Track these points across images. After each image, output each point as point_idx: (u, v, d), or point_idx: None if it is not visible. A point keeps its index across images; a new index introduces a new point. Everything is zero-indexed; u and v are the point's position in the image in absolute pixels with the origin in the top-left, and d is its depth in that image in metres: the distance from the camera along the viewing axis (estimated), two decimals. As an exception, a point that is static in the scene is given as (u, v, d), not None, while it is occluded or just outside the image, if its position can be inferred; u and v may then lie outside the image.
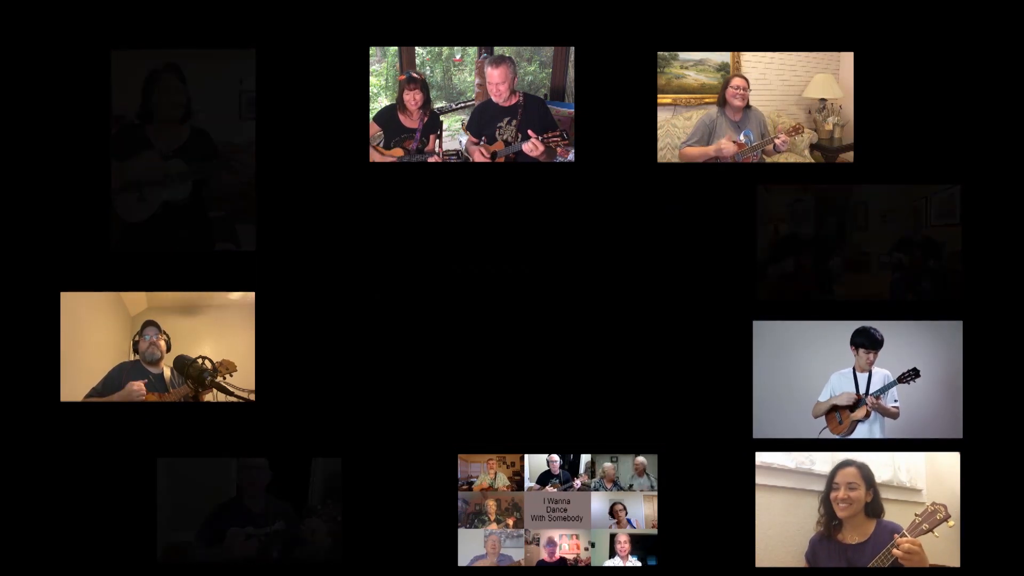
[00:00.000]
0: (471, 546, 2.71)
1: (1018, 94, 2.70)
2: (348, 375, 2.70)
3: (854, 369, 2.71)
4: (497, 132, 2.84)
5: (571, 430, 2.76)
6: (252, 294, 2.71)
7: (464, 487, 2.73)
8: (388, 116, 2.85)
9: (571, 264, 2.70)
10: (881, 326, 2.68)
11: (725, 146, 2.78)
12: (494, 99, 2.84)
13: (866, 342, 2.67)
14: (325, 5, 2.72)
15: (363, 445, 2.71)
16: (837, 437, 2.70)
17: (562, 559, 2.71)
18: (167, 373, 2.74)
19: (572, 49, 2.75)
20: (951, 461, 2.68)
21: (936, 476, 2.67)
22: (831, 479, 2.61)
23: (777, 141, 2.76)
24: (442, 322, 2.73)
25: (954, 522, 2.55)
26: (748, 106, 2.82)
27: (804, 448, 2.69)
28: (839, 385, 2.71)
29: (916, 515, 2.47)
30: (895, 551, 2.46)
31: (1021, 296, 2.69)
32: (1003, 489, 2.68)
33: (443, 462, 2.72)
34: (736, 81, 2.80)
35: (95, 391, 2.69)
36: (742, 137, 2.80)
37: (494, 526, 2.72)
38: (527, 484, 2.74)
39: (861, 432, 2.70)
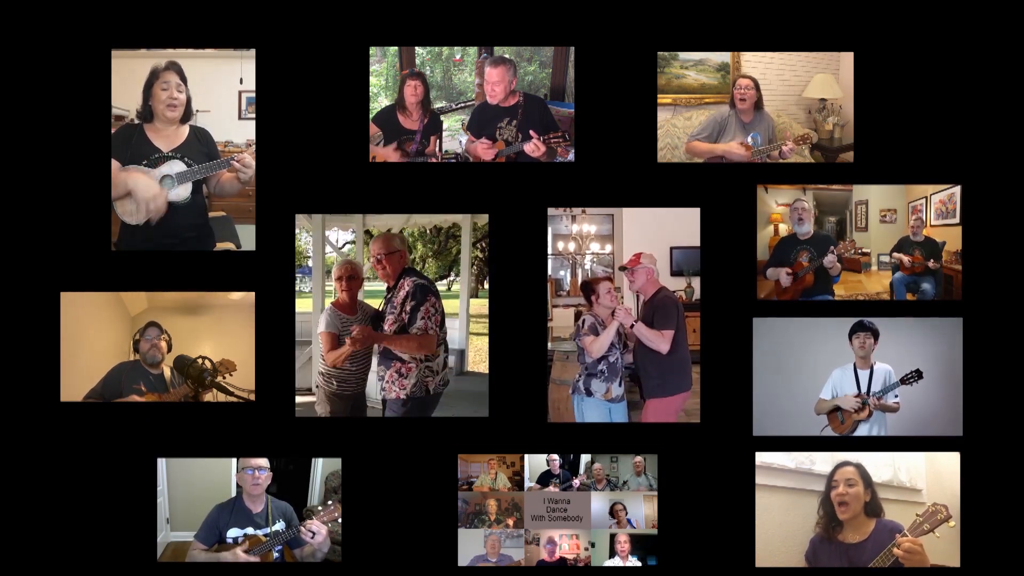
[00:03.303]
0: (471, 546, 2.71)
1: (1018, 94, 2.70)
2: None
3: (855, 366, 2.71)
4: (497, 132, 2.84)
5: (571, 429, 2.77)
6: (252, 294, 2.71)
7: (464, 487, 2.72)
8: (387, 117, 2.85)
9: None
10: (881, 323, 2.68)
11: (735, 150, 2.78)
12: (490, 99, 2.84)
13: (858, 327, 2.68)
14: (325, 5, 2.72)
15: (363, 445, 2.71)
16: (839, 436, 2.70)
17: (562, 559, 2.71)
18: (167, 373, 2.74)
19: (572, 49, 2.75)
20: (951, 461, 2.68)
21: (936, 476, 2.67)
22: (830, 478, 2.61)
23: (784, 148, 2.76)
24: None
25: (955, 522, 2.56)
26: (760, 108, 2.82)
27: (804, 447, 2.69)
28: (840, 381, 2.71)
29: (917, 515, 2.47)
30: (896, 551, 2.46)
31: (1020, 295, 2.69)
32: (1003, 489, 2.68)
33: (443, 462, 2.72)
34: (741, 81, 2.80)
35: (95, 392, 2.69)
36: (749, 139, 2.80)
37: (494, 526, 2.72)
38: (527, 484, 2.74)
39: (862, 431, 2.70)
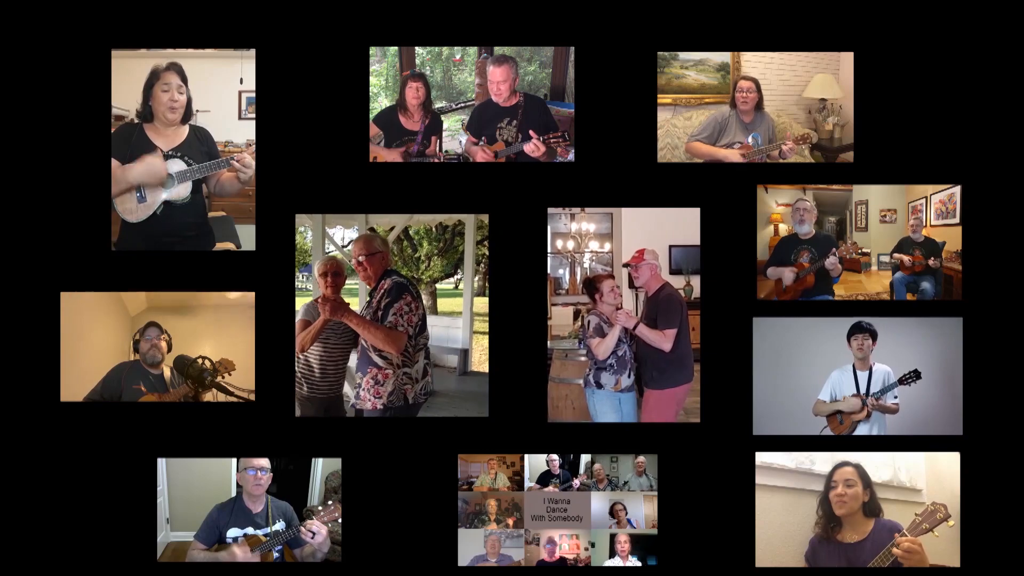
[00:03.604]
0: (471, 546, 2.71)
1: (1018, 94, 2.70)
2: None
3: (854, 367, 2.71)
4: (497, 132, 2.84)
5: (571, 429, 2.77)
6: (252, 294, 2.71)
7: (464, 487, 2.72)
8: (388, 118, 2.85)
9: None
10: (881, 322, 2.68)
11: (731, 156, 2.78)
12: (494, 99, 2.84)
13: (856, 329, 2.68)
14: (325, 5, 2.72)
15: (363, 445, 2.71)
16: (838, 436, 2.71)
17: (562, 559, 2.71)
18: (167, 373, 2.74)
19: (572, 49, 2.75)
20: (951, 461, 2.68)
21: (936, 476, 2.67)
22: (829, 478, 2.61)
23: (784, 147, 2.76)
24: None
25: (954, 522, 2.56)
26: (760, 108, 2.82)
27: (803, 446, 2.69)
28: (839, 382, 2.71)
29: (916, 515, 2.47)
30: (895, 550, 2.46)
31: (1021, 295, 2.69)
32: (1003, 489, 2.68)
33: (443, 462, 2.72)
34: (742, 83, 2.80)
35: (95, 392, 2.69)
36: (749, 139, 2.80)
37: (494, 526, 2.72)
38: (527, 484, 2.74)
39: (861, 431, 2.70)
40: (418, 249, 3.45)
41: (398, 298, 2.72)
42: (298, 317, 2.77)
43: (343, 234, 3.20)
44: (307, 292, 2.92)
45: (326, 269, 2.81)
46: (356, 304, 2.92)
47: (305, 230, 2.90)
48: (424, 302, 3.31)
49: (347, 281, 2.88)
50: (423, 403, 2.78)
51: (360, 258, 2.77)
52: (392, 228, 2.97)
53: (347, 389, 2.88)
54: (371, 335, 2.68)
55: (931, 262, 2.76)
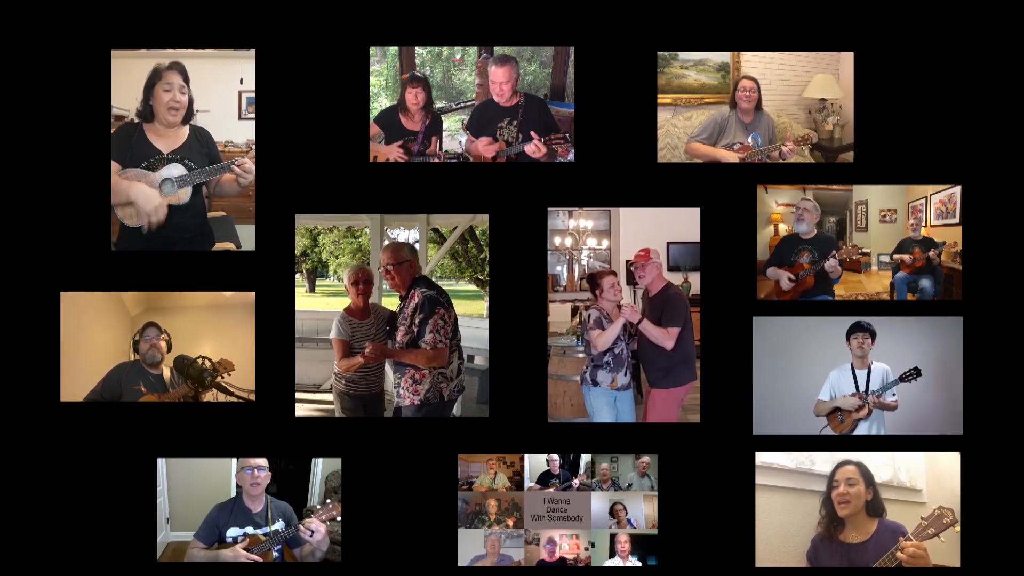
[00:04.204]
0: (471, 546, 2.71)
1: (1018, 94, 2.70)
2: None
3: (852, 366, 2.71)
4: (497, 132, 2.84)
5: (571, 429, 2.77)
6: (252, 294, 2.71)
7: (464, 487, 2.72)
8: (389, 117, 2.85)
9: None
10: (881, 322, 2.68)
11: (729, 157, 2.77)
12: (496, 99, 2.84)
13: (856, 328, 2.68)
14: (325, 5, 2.72)
15: (363, 445, 2.71)
16: (838, 435, 2.70)
17: (562, 559, 2.71)
18: (167, 373, 2.74)
19: (572, 49, 2.75)
20: (951, 461, 2.68)
21: (936, 476, 2.67)
22: (831, 478, 2.61)
23: (784, 148, 2.75)
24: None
25: (959, 526, 2.55)
26: (760, 108, 2.82)
27: (804, 446, 2.69)
28: (838, 381, 2.71)
29: (923, 519, 2.46)
30: (900, 554, 2.44)
31: (1021, 295, 2.68)
32: (1003, 489, 2.68)
33: (443, 462, 2.72)
34: (744, 83, 2.80)
35: (95, 392, 2.68)
36: (749, 140, 2.80)
37: (494, 527, 2.72)
38: (527, 484, 2.74)
39: (862, 430, 2.70)
40: (484, 249, 3.42)
41: (432, 313, 2.76)
42: (332, 335, 2.84)
43: (407, 235, 3.22)
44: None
45: (357, 278, 2.88)
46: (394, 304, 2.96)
47: (363, 230, 2.91)
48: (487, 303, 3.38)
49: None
50: (456, 399, 2.85)
51: (388, 267, 2.82)
52: (455, 228, 2.95)
53: (389, 387, 2.93)
54: (416, 360, 2.76)
55: (931, 254, 2.75)
